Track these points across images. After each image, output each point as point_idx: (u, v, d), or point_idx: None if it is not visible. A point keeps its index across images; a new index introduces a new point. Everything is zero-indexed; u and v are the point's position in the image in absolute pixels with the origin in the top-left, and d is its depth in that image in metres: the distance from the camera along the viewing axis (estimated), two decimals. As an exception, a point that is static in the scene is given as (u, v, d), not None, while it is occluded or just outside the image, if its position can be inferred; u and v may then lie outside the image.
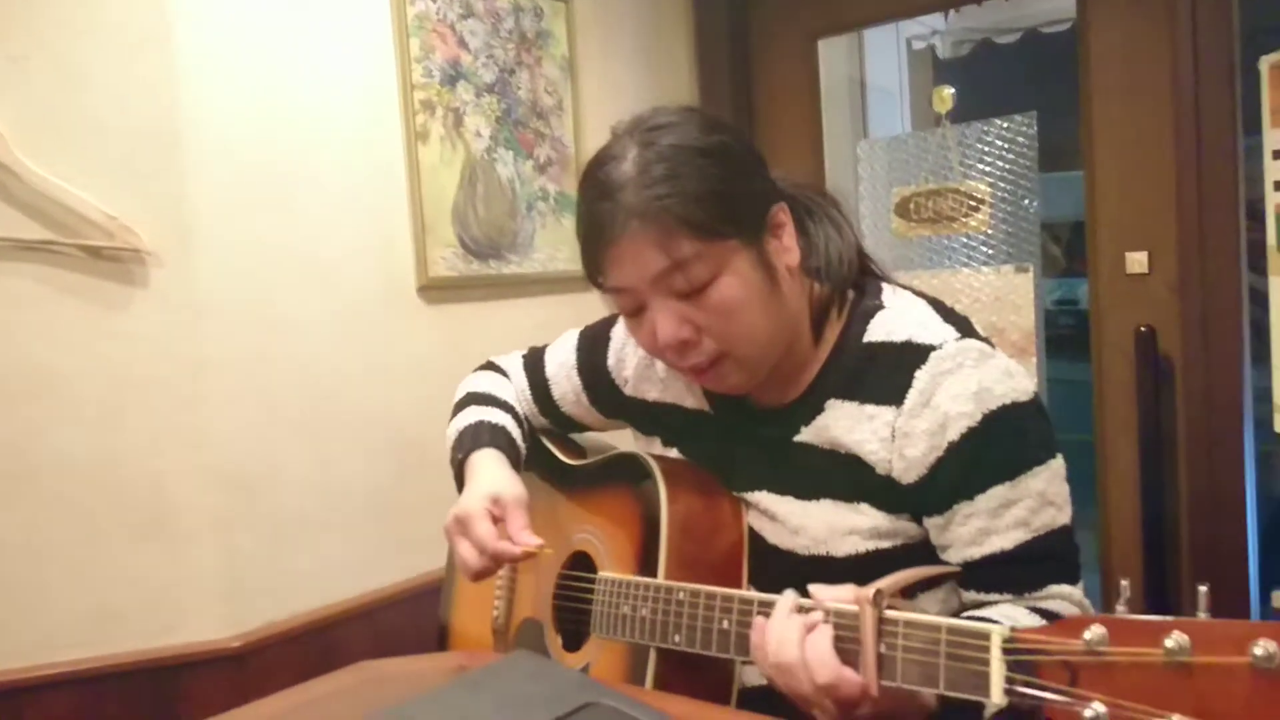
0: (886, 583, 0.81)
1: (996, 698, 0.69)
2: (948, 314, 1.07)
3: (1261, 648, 0.54)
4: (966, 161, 2.20)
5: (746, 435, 1.15)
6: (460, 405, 1.38)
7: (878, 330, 1.06)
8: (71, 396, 1.59)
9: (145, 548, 1.63)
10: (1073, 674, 0.62)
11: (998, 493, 0.97)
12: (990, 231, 2.18)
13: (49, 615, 1.58)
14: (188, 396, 1.65)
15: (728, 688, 1.11)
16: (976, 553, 0.99)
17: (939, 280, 2.22)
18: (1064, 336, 2.93)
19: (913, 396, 0.99)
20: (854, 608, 0.83)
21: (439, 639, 1.45)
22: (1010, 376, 1.00)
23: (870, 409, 1.03)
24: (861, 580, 0.93)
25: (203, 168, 1.67)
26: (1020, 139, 2.14)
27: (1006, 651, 0.69)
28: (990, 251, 2.19)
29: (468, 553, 1.12)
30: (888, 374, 1.02)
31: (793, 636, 0.86)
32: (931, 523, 1.02)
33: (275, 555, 1.75)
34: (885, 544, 1.04)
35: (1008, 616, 0.96)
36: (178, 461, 1.65)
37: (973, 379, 0.98)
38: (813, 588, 0.90)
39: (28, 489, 1.56)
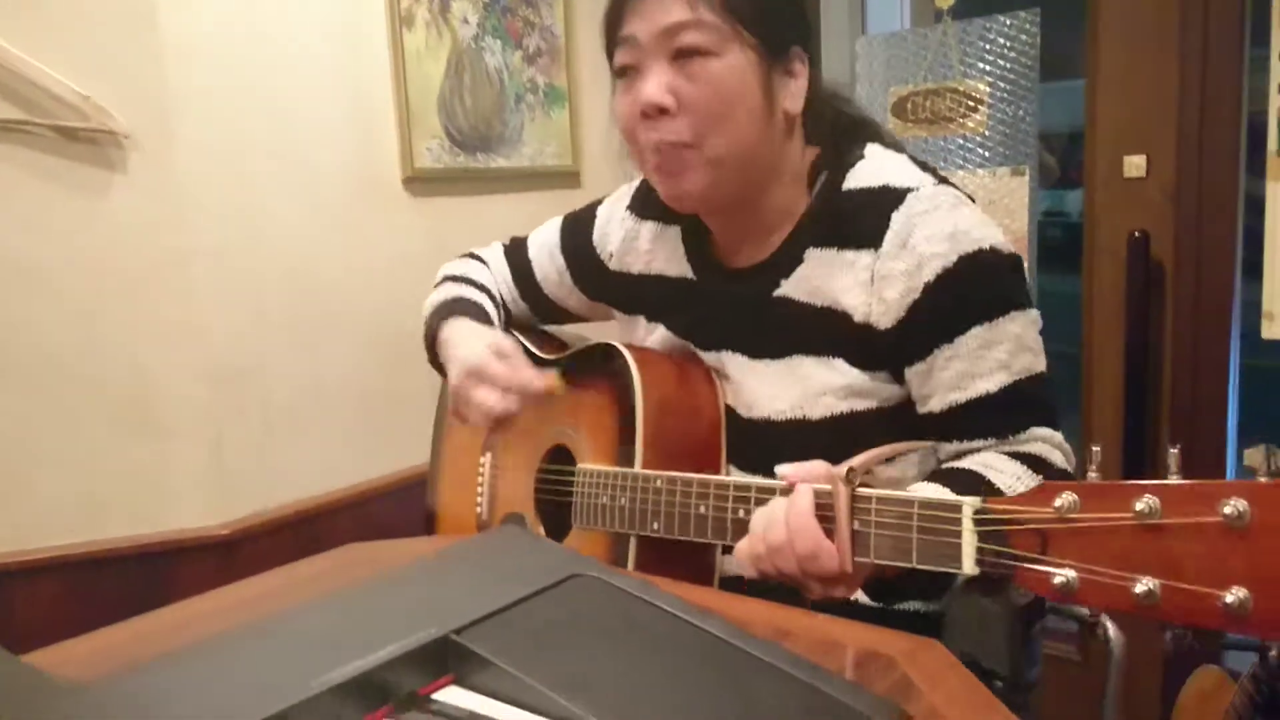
0: (859, 460, 0.81)
1: (968, 568, 0.69)
2: (926, 166, 1.08)
3: (1231, 506, 0.54)
4: (967, 60, 2.14)
5: (727, 297, 1.15)
6: (438, 285, 1.38)
7: (855, 178, 1.06)
8: (52, 285, 1.57)
9: (131, 439, 1.63)
10: (1044, 541, 0.62)
11: (976, 334, 0.98)
12: (987, 133, 2.14)
13: (37, 502, 1.59)
14: (172, 286, 1.64)
15: (709, 576, 1.12)
16: (960, 397, 1.00)
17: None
18: (1055, 247, 2.90)
19: (890, 238, 1.00)
20: (828, 486, 0.82)
21: (426, 527, 1.46)
22: (986, 225, 1.01)
23: (849, 255, 1.03)
24: (839, 443, 0.95)
25: (180, 49, 1.62)
26: (1023, 36, 2.08)
27: (978, 523, 0.69)
28: (986, 154, 2.15)
29: (488, 396, 1.11)
30: (864, 218, 1.02)
31: (779, 515, 0.86)
32: (913, 372, 1.02)
33: (263, 447, 1.75)
34: (860, 405, 1.04)
35: (988, 465, 0.97)
36: (162, 353, 1.64)
37: (949, 220, 0.99)
38: (780, 467, 0.89)
39: (10, 380, 1.56)
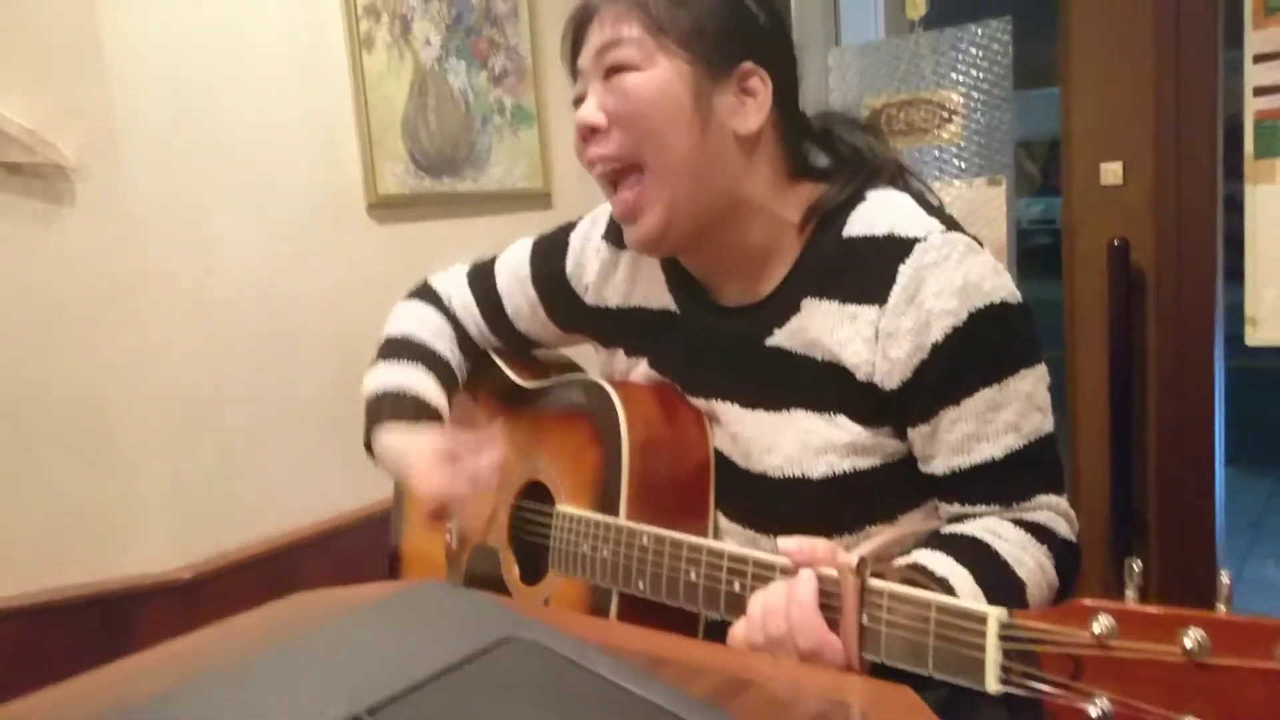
0: (869, 548, 0.76)
1: (992, 687, 0.64)
2: (932, 208, 1.01)
3: (1289, 653, 0.50)
4: (940, 70, 2.11)
5: (715, 337, 1.09)
6: (378, 354, 1.31)
7: (857, 223, 0.99)
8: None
9: (88, 474, 1.58)
10: (1077, 666, 0.57)
11: (985, 395, 0.93)
12: (963, 144, 2.11)
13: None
14: (125, 316, 1.58)
15: (694, 622, 1.07)
16: (964, 462, 0.94)
17: (910, 194, 2.15)
18: (1041, 254, 2.88)
19: (896, 293, 0.93)
20: (834, 572, 0.78)
21: (389, 567, 1.40)
22: (999, 274, 0.95)
23: (852, 308, 0.97)
24: (838, 502, 0.92)
25: (129, 76, 1.57)
26: (995, 45, 2.05)
27: (1004, 638, 0.64)
28: (962, 164, 2.12)
29: (473, 517, 1.11)
30: (869, 269, 0.96)
31: (780, 605, 0.80)
32: (917, 433, 0.97)
33: (224, 480, 1.70)
34: (862, 463, 0.98)
35: (992, 531, 0.92)
36: (117, 386, 1.59)
37: (958, 273, 0.92)
38: (783, 542, 0.84)
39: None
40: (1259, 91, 1.79)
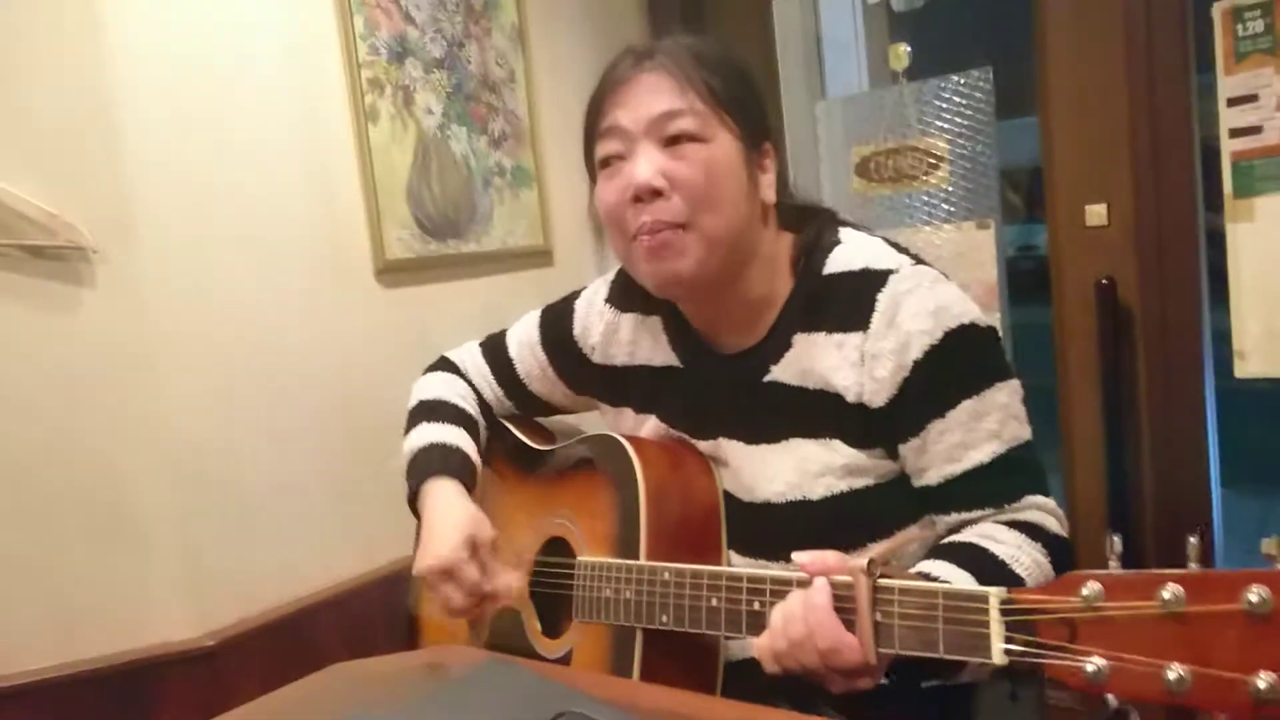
0: (879, 551, 0.81)
1: (997, 658, 0.69)
2: (901, 249, 1.12)
3: (1255, 594, 0.55)
4: (924, 119, 2.19)
5: (717, 383, 1.16)
6: (412, 418, 1.36)
7: (835, 262, 1.09)
8: (19, 400, 1.53)
9: (106, 548, 1.59)
10: (1071, 631, 0.62)
11: (966, 406, 1.01)
12: (950, 189, 2.18)
13: (9, 622, 1.53)
14: (141, 391, 1.61)
15: (714, 663, 1.11)
16: (956, 469, 1.02)
17: (901, 238, 2.18)
18: (1027, 281, 2.91)
19: (877, 318, 1.03)
20: (847, 577, 0.82)
21: (407, 631, 1.43)
22: (966, 301, 1.04)
23: (838, 337, 1.05)
24: (840, 522, 0.99)
25: (143, 158, 1.62)
26: (977, 94, 2.13)
27: (1004, 612, 0.69)
28: (951, 208, 2.19)
29: (454, 596, 1.14)
30: (850, 300, 1.05)
31: (798, 611, 0.85)
32: (907, 448, 1.04)
33: (239, 549, 1.72)
34: (859, 483, 1.05)
35: (988, 536, 0.98)
36: (134, 459, 1.61)
37: (931, 298, 1.02)
38: (797, 555, 0.89)
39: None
40: (1234, 133, 1.84)
